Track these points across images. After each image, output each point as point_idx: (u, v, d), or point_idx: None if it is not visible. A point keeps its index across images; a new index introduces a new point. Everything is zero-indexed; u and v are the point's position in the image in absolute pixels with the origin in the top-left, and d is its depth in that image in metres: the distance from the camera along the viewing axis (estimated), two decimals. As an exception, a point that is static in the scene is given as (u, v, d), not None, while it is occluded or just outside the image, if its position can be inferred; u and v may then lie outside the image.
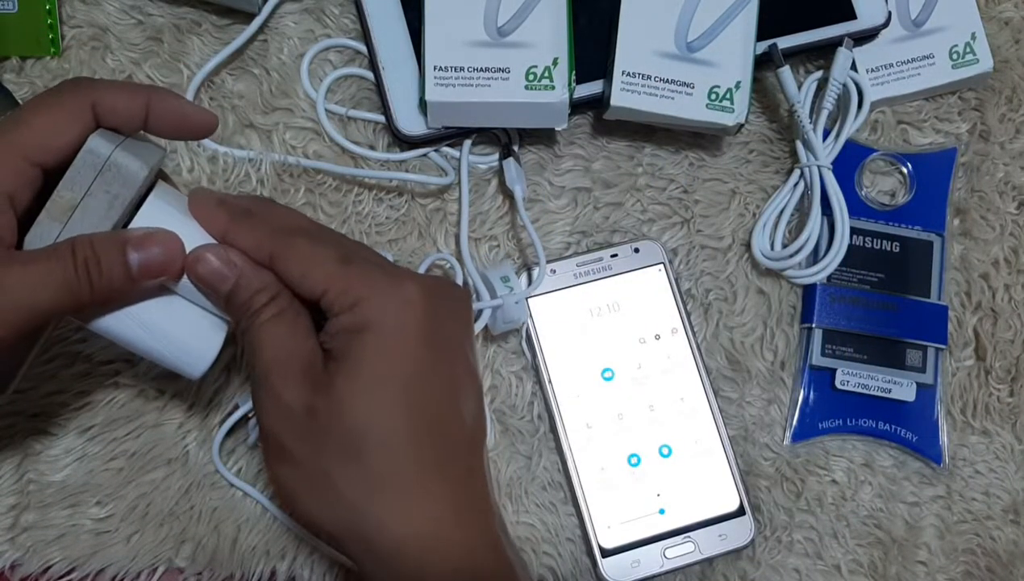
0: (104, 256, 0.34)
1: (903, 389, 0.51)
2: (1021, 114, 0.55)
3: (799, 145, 0.52)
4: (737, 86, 0.49)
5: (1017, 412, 0.53)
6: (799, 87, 0.52)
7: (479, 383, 0.40)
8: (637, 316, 0.51)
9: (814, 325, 0.51)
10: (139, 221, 0.36)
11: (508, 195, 0.51)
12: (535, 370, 0.50)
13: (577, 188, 0.52)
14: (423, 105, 0.49)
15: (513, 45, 0.48)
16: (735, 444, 0.50)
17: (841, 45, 0.51)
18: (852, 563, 0.50)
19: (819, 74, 0.52)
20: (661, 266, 0.51)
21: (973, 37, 0.54)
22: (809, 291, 0.52)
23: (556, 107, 0.48)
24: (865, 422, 0.51)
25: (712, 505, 0.49)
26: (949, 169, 0.54)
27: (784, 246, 0.51)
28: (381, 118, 0.51)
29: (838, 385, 0.51)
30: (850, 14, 0.52)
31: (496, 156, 0.52)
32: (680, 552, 0.48)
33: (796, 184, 0.52)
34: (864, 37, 0.53)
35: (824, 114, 0.51)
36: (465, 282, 0.49)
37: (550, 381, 0.49)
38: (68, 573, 0.46)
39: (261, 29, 0.51)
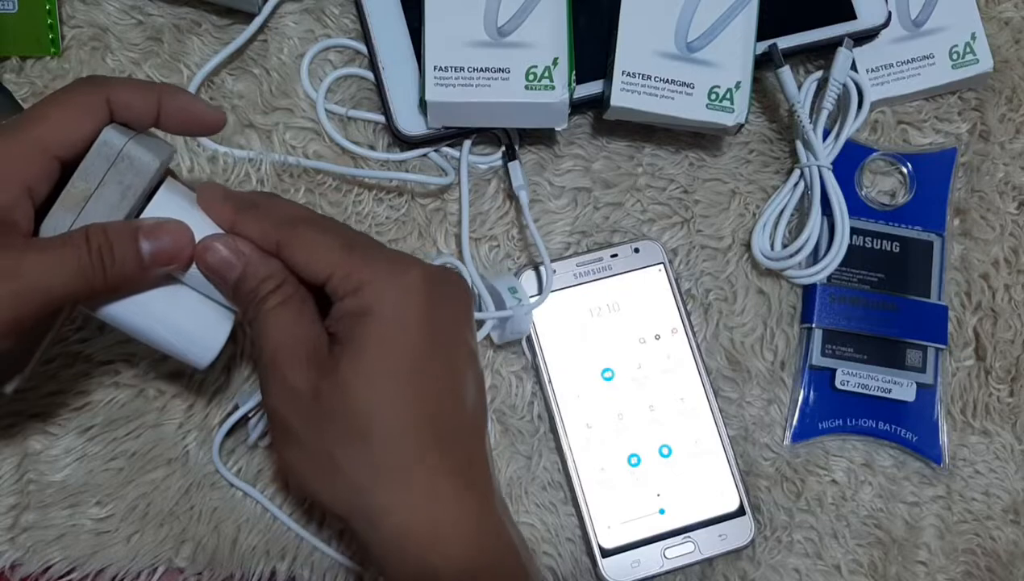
0: (117, 243, 0.35)
1: (903, 389, 0.51)
2: (1021, 114, 0.55)
3: (799, 145, 0.52)
4: (737, 86, 0.49)
5: (1017, 412, 0.53)
6: (799, 87, 0.52)
7: (480, 369, 0.41)
8: (637, 316, 0.51)
9: (814, 325, 0.51)
10: (150, 212, 0.37)
11: (509, 195, 0.51)
12: (535, 370, 0.50)
13: (577, 188, 0.52)
14: (423, 105, 0.49)
15: (513, 45, 0.48)
16: (735, 444, 0.50)
17: (841, 45, 0.51)
18: (852, 563, 0.50)
19: (819, 74, 0.52)
20: (661, 266, 0.51)
21: (973, 37, 0.54)
22: (809, 291, 0.52)
23: (556, 107, 0.48)
24: (865, 422, 0.51)
25: (712, 505, 0.49)
26: (949, 169, 0.54)
27: (784, 246, 0.51)
28: (381, 118, 0.51)
29: (838, 385, 0.51)
30: (850, 14, 0.52)
31: (496, 156, 0.52)
32: (680, 552, 0.48)
33: (796, 184, 0.52)
34: (864, 37, 0.53)
35: (824, 114, 0.51)
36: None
37: (550, 381, 0.49)
38: (68, 573, 0.46)
39: (261, 29, 0.51)
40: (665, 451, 0.49)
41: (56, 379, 0.47)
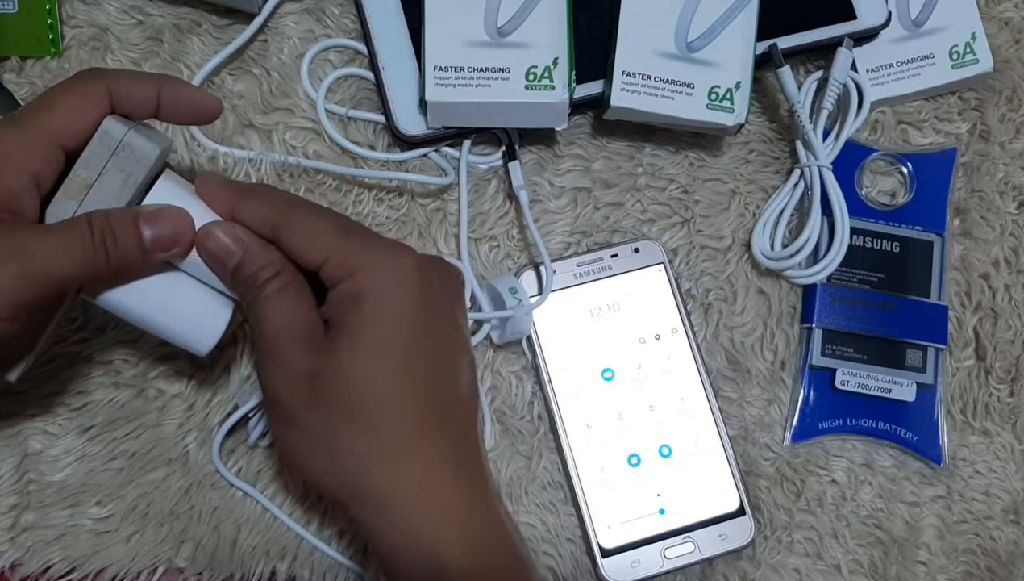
0: (119, 228, 0.36)
1: (903, 389, 0.51)
2: (1021, 114, 0.55)
3: (799, 145, 0.52)
4: (737, 86, 0.49)
5: (1017, 412, 0.53)
6: (799, 87, 0.52)
7: (472, 354, 0.41)
8: (637, 316, 0.51)
9: (814, 325, 0.51)
10: (150, 200, 0.38)
11: (509, 195, 0.51)
12: (535, 370, 0.50)
13: (577, 188, 0.52)
14: (423, 105, 0.49)
15: (513, 45, 0.48)
16: (735, 444, 0.50)
17: (841, 45, 0.51)
18: (852, 563, 0.50)
19: (819, 74, 0.52)
20: (661, 266, 0.51)
21: (973, 37, 0.54)
22: (809, 291, 0.52)
23: (556, 107, 0.48)
24: (865, 422, 0.51)
25: (712, 505, 0.49)
26: (949, 169, 0.54)
27: (784, 246, 0.51)
28: (381, 118, 0.51)
29: (838, 385, 0.51)
30: (850, 14, 0.52)
31: (496, 156, 0.52)
32: (680, 552, 0.48)
33: (796, 184, 0.52)
34: (864, 37, 0.53)
35: (824, 114, 0.51)
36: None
37: (550, 381, 0.49)
38: (68, 573, 0.46)
39: (261, 29, 0.51)
40: (665, 451, 0.49)
41: (56, 379, 0.47)
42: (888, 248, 0.53)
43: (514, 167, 0.50)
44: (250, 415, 0.47)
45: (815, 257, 0.52)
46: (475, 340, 0.48)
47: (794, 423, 0.51)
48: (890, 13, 0.53)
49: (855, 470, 0.51)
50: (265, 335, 0.38)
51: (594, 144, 0.53)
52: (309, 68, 0.51)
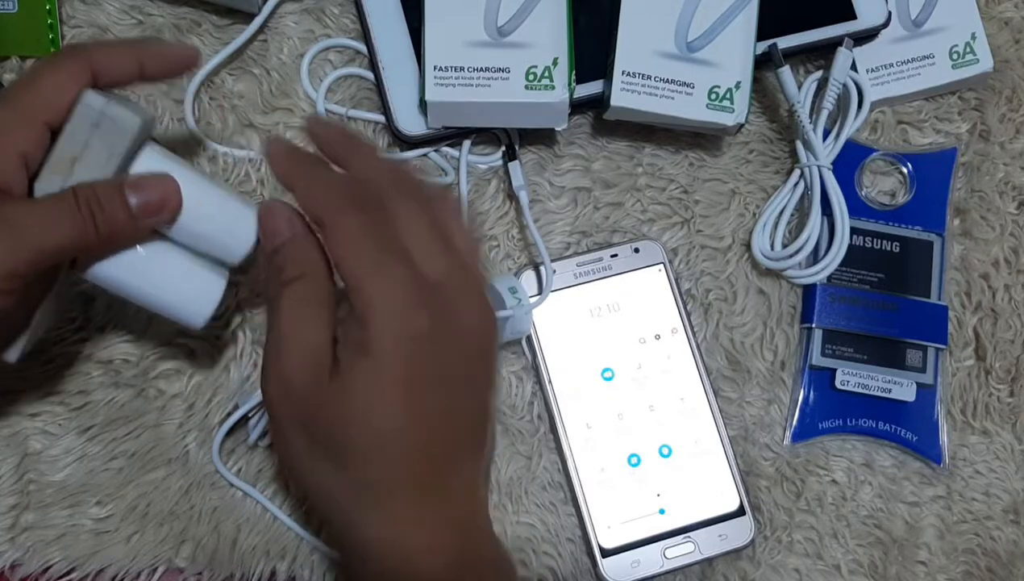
0: (105, 197, 0.36)
1: (903, 389, 0.51)
2: (1021, 114, 0.55)
3: (799, 145, 0.52)
4: (737, 86, 0.49)
5: (1017, 412, 0.53)
6: (799, 87, 0.52)
7: (493, 403, 0.39)
8: (637, 316, 0.51)
9: (814, 325, 0.51)
10: (136, 169, 0.38)
11: (509, 195, 0.51)
12: (535, 370, 0.50)
13: (577, 188, 0.52)
14: (423, 105, 0.49)
15: (513, 45, 0.48)
16: (735, 444, 0.50)
17: (841, 45, 0.51)
18: (852, 563, 0.50)
19: (819, 74, 0.52)
20: (661, 266, 0.51)
21: (973, 37, 0.54)
22: (809, 291, 0.52)
23: (556, 107, 0.48)
24: (865, 422, 0.51)
25: (712, 505, 0.49)
26: (949, 169, 0.54)
27: (784, 246, 0.51)
28: (381, 118, 0.51)
29: (838, 385, 0.51)
30: (850, 14, 0.52)
31: (496, 156, 0.52)
32: (680, 552, 0.48)
33: (796, 184, 0.52)
34: (864, 37, 0.53)
35: (824, 114, 0.51)
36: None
37: (550, 381, 0.49)
38: (68, 573, 0.46)
39: (261, 29, 0.51)
40: (665, 451, 0.49)
41: (56, 379, 0.47)
42: (888, 248, 0.53)
43: (514, 167, 0.50)
44: (250, 415, 0.47)
45: (815, 257, 0.52)
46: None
47: (794, 423, 0.51)
48: (890, 13, 0.53)
49: (855, 470, 0.51)
50: (273, 335, 0.36)
51: (594, 144, 0.53)
52: (309, 68, 0.51)
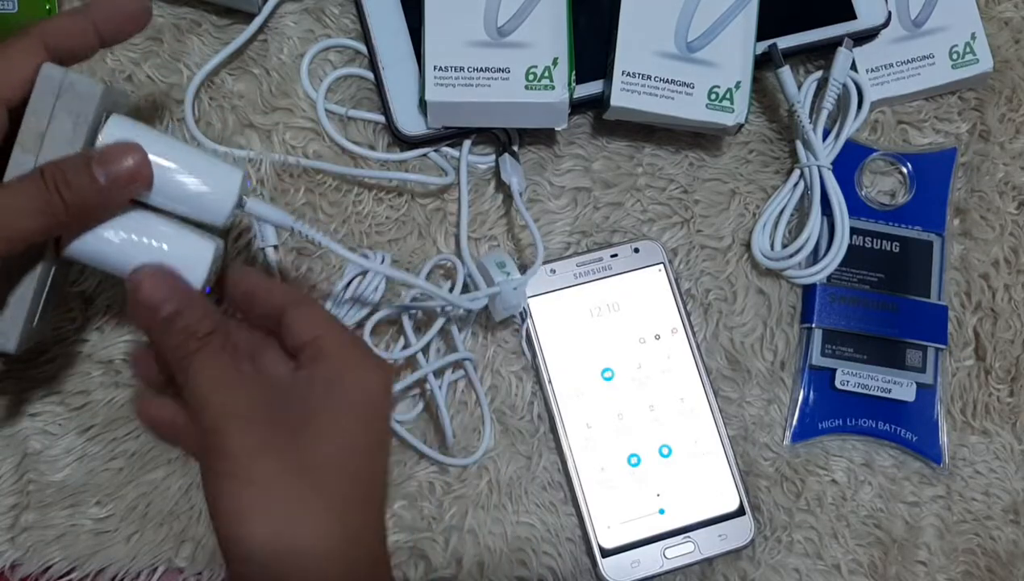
0: (71, 172, 0.35)
1: (903, 389, 0.51)
2: (1021, 114, 0.55)
3: (799, 145, 0.52)
4: (737, 86, 0.49)
5: (1017, 412, 0.53)
6: (799, 87, 0.52)
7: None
8: (637, 316, 0.51)
9: (814, 325, 0.51)
10: (105, 138, 0.37)
11: (508, 194, 0.51)
12: (535, 370, 0.50)
13: (577, 188, 0.52)
14: (423, 105, 0.49)
15: (513, 45, 0.48)
16: (735, 444, 0.50)
17: (841, 45, 0.51)
18: (852, 563, 0.50)
19: (819, 74, 0.52)
20: (661, 266, 0.51)
21: (973, 37, 0.54)
22: (809, 291, 0.52)
23: (556, 107, 0.48)
24: (865, 422, 0.51)
25: (712, 505, 0.49)
26: (949, 169, 0.54)
27: (784, 246, 0.51)
28: (381, 118, 0.51)
29: (838, 385, 0.51)
30: (850, 14, 0.52)
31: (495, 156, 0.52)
32: (680, 552, 0.48)
33: (796, 184, 0.52)
34: (864, 37, 0.53)
35: (824, 114, 0.51)
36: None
37: (550, 381, 0.49)
38: (68, 573, 0.46)
39: (261, 29, 0.51)
40: (665, 451, 0.49)
41: (56, 379, 0.47)
42: (888, 248, 0.53)
43: (503, 159, 0.50)
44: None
45: (815, 257, 0.52)
46: (475, 306, 0.47)
47: (794, 423, 0.51)
48: (890, 13, 0.53)
49: (855, 470, 0.51)
50: (208, 409, 0.35)
51: (594, 144, 0.53)
52: (309, 68, 0.51)
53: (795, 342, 0.52)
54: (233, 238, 0.49)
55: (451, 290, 0.49)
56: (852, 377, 0.51)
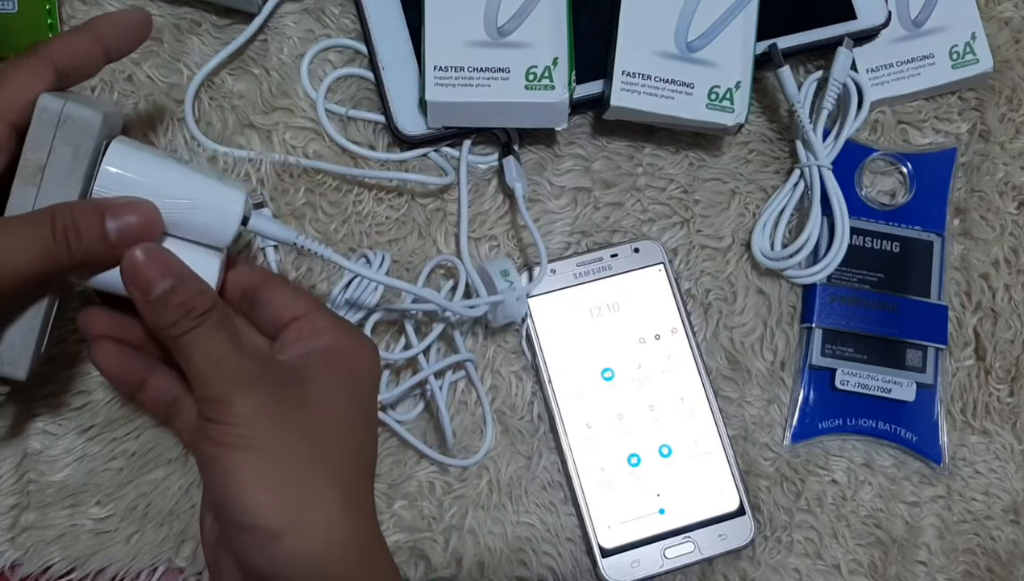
0: (83, 223, 0.35)
1: (903, 389, 0.51)
2: (1021, 114, 0.55)
3: (799, 145, 0.52)
4: (737, 86, 0.49)
5: (1017, 412, 0.53)
6: (799, 87, 0.52)
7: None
8: (637, 316, 0.51)
9: (814, 325, 0.51)
10: (104, 167, 0.37)
11: (508, 194, 0.51)
12: (535, 370, 0.50)
13: (577, 188, 0.52)
14: (423, 105, 0.49)
15: (513, 45, 0.48)
16: (735, 444, 0.50)
17: (841, 45, 0.51)
18: (852, 563, 0.50)
19: (819, 74, 0.52)
20: (661, 266, 0.51)
21: (973, 37, 0.54)
22: (809, 291, 0.52)
23: (556, 107, 0.48)
24: (865, 422, 0.51)
25: (712, 505, 0.49)
26: (949, 169, 0.54)
27: (784, 246, 0.51)
28: (381, 118, 0.51)
29: (838, 385, 0.51)
30: (850, 14, 0.52)
31: (496, 156, 0.52)
32: (680, 552, 0.48)
33: (796, 184, 0.52)
34: (864, 37, 0.53)
35: (824, 114, 0.51)
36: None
37: (550, 381, 0.49)
38: (68, 573, 0.46)
39: (261, 29, 0.51)
40: (665, 451, 0.49)
41: (56, 379, 0.47)
42: (888, 248, 0.53)
43: (507, 162, 0.50)
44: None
45: (815, 257, 0.52)
46: (475, 313, 0.47)
47: (794, 423, 0.51)
48: (890, 13, 0.53)
49: (855, 470, 0.51)
50: (210, 362, 0.35)
51: (594, 144, 0.53)
52: (309, 68, 0.51)
53: (795, 342, 0.52)
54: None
55: (453, 293, 0.49)
56: (852, 377, 0.51)
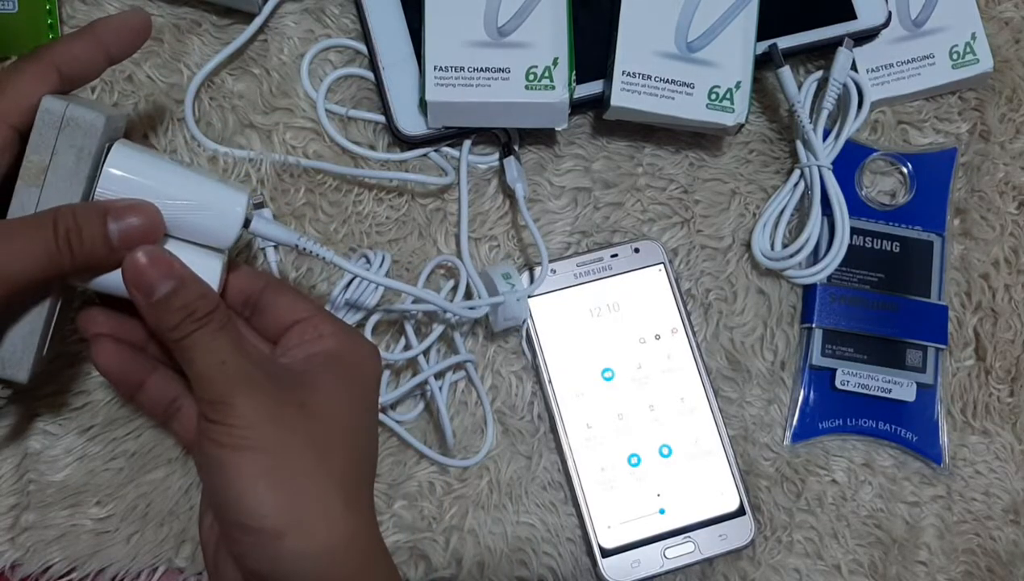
0: (86, 227, 0.35)
1: (903, 389, 0.51)
2: (1021, 114, 0.55)
3: (799, 145, 0.52)
4: (737, 86, 0.49)
5: (1017, 412, 0.53)
6: (799, 87, 0.52)
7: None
8: (637, 316, 0.51)
9: (814, 325, 0.51)
10: (107, 170, 0.37)
11: (508, 195, 0.51)
12: (535, 370, 0.50)
13: (577, 188, 0.52)
14: (423, 105, 0.49)
15: (513, 45, 0.48)
16: (735, 444, 0.50)
17: (841, 45, 0.51)
18: (852, 563, 0.50)
19: (819, 74, 0.52)
20: (661, 266, 0.51)
21: (973, 37, 0.54)
22: (809, 291, 0.52)
23: (556, 107, 0.48)
24: (865, 422, 0.51)
25: (712, 505, 0.49)
26: (949, 169, 0.54)
27: (784, 246, 0.51)
28: (381, 118, 0.51)
29: (838, 385, 0.51)
30: (850, 14, 0.52)
31: (496, 156, 0.52)
32: (680, 552, 0.48)
33: (796, 184, 0.52)
34: (864, 37, 0.53)
35: (824, 114, 0.51)
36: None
37: (550, 381, 0.49)
38: (68, 573, 0.46)
39: (261, 29, 0.51)
40: (665, 451, 0.49)
41: (56, 379, 0.47)
42: (888, 248, 0.53)
43: (508, 163, 0.50)
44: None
45: (815, 257, 0.52)
46: (476, 315, 0.47)
47: (794, 423, 0.51)
48: (890, 13, 0.53)
49: (855, 470, 0.51)
50: (212, 365, 0.35)
51: (594, 144, 0.53)
52: (309, 68, 0.51)
53: (795, 342, 0.52)
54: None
55: (453, 293, 0.49)
56: (852, 377, 0.51)
